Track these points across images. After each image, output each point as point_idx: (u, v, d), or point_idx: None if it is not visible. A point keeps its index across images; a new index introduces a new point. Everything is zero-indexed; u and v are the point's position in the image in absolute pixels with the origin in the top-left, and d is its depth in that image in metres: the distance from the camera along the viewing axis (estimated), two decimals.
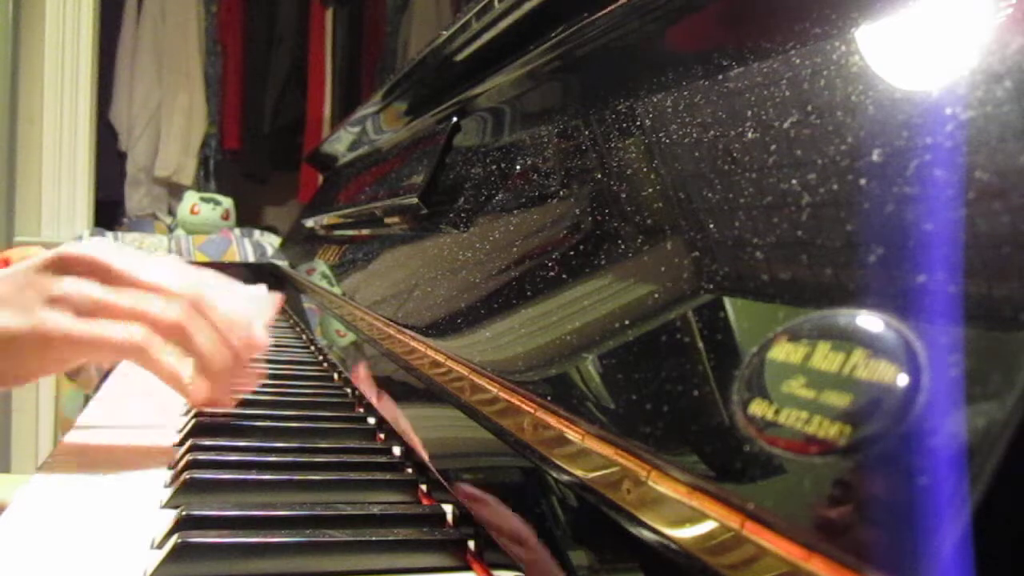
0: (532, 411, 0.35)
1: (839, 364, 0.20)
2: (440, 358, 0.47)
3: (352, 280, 0.85)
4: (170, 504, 0.41)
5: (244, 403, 0.60)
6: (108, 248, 0.47)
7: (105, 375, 0.82)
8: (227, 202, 2.31)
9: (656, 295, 0.31)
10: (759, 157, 0.29)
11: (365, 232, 0.93)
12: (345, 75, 2.93)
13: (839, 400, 0.20)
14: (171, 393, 0.66)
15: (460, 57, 0.72)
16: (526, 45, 0.58)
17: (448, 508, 0.42)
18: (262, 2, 2.82)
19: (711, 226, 0.30)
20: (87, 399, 1.82)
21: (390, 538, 0.37)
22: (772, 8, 0.34)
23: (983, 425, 0.17)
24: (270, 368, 0.75)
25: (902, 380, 0.19)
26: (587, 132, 0.45)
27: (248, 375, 0.50)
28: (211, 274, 0.50)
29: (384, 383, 0.61)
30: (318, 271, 1.07)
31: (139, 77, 2.64)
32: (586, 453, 0.30)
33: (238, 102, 2.80)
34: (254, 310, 0.50)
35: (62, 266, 0.45)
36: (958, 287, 0.19)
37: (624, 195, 0.38)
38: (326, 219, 1.14)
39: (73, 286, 0.44)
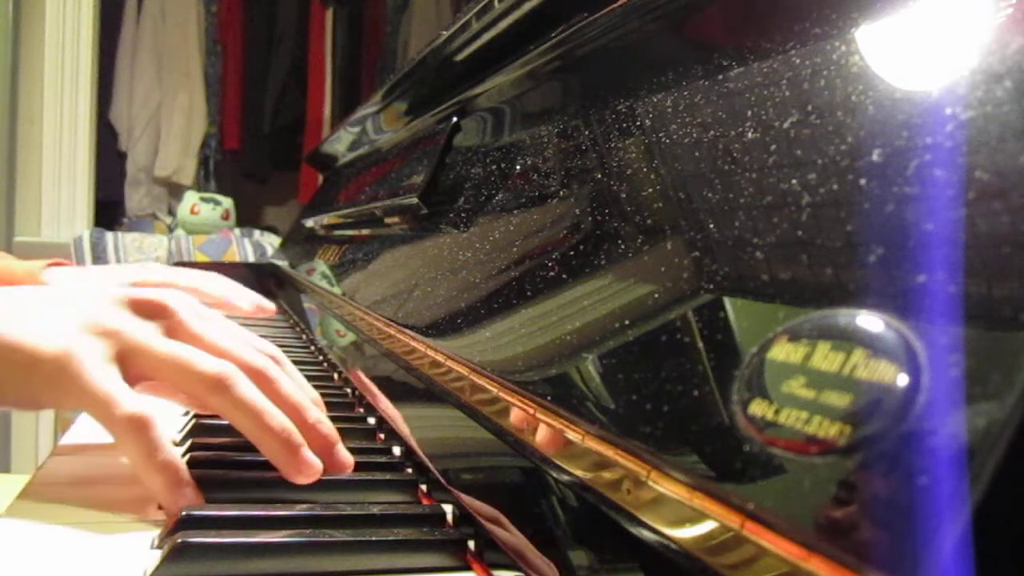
0: (532, 411, 0.35)
1: (839, 364, 0.20)
2: (440, 358, 0.47)
3: (352, 280, 0.85)
4: None
5: None
6: (193, 305, 0.43)
7: None
8: (227, 202, 2.31)
9: (656, 295, 0.31)
10: (759, 157, 0.29)
11: (365, 232, 0.93)
12: (345, 75, 2.93)
13: (839, 400, 0.20)
14: None
15: (460, 57, 0.72)
16: (526, 45, 0.58)
17: (448, 508, 0.42)
18: (262, 2, 2.82)
19: (711, 226, 0.30)
20: None
21: (390, 538, 0.37)
22: (772, 8, 0.34)
23: (983, 425, 0.17)
24: None
25: (902, 380, 0.19)
26: (587, 132, 0.45)
27: (330, 457, 0.42)
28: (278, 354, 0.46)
29: (384, 383, 0.61)
30: (318, 271, 1.07)
31: (139, 77, 2.64)
32: (586, 453, 0.30)
33: (238, 102, 2.80)
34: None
35: (139, 308, 0.41)
36: (958, 287, 0.19)
37: (624, 195, 0.38)
38: (326, 219, 1.14)
39: (132, 325, 0.40)
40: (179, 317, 0.42)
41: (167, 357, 0.40)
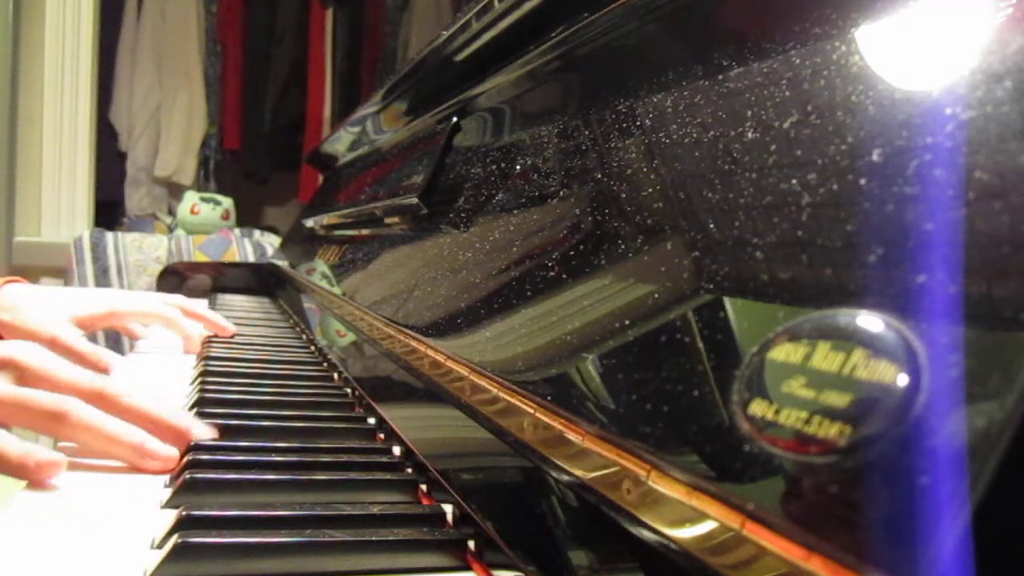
0: (532, 411, 0.35)
1: (839, 364, 0.20)
2: (440, 358, 0.47)
3: (352, 280, 0.85)
4: (170, 504, 0.41)
5: (244, 403, 0.60)
6: (39, 353, 0.51)
7: None
8: (227, 202, 2.31)
9: (656, 295, 0.31)
10: (759, 157, 0.29)
11: (365, 232, 0.93)
12: (345, 75, 2.93)
13: (839, 400, 0.20)
14: (173, 393, 0.66)
15: (460, 57, 0.72)
16: (526, 45, 0.58)
17: (448, 508, 0.42)
18: (262, 2, 2.82)
19: (711, 226, 0.30)
20: None
21: (390, 538, 0.37)
22: (772, 8, 0.34)
23: (983, 425, 0.17)
24: (270, 368, 0.75)
25: (902, 380, 0.19)
26: (587, 132, 0.45)
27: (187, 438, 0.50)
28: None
29: (384, 383, 0.61)
30: (318, 271, 1.07)
31: (139, 77, 2.64)
32: (586, 453, 0.30)
33: (238, 102, 2.80)
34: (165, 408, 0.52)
35: None
36: (958, 287, 0.19)
37: (624, 195, 0.38)
38: (326, 219, 1.14)
39: None
40: (24, 365, 0.49)
41: (10, 400, 0.46)
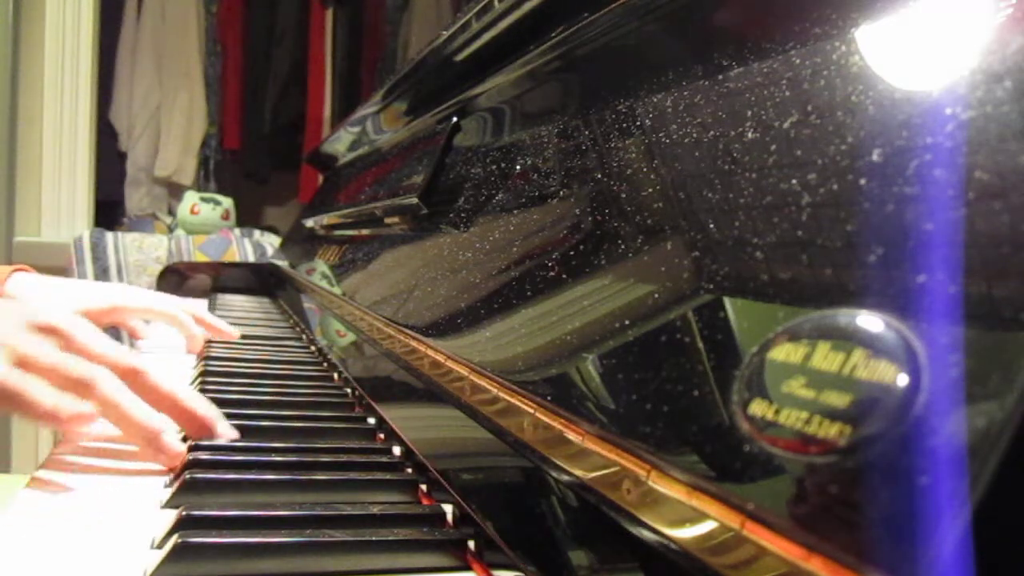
0: (532, 411, 0.35)
1: (839, 364, 0.20)
2: (440, 358, 0.47)
3: (352, 280, 0.85)
4: (170, 504, 0.41)
5: (244, 403, 0.60)
6: (81, 324, 0.53)
7: None
8: (227, 202, 2.31)
9: (656, 295, 0.31)
10: (759, 157, 0.29)
11: (365, 232, 0.93)
12: (345, 75, 2.93)
13: (839, 400, 0.20)
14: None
15: (460, 57, 0.72)
16: (526, 45, 0.58)
17: (448, 508, 0.42)
18: (262, 2, 2.82)
19: (711, 226, 0.30)
20: None
21: (390, 538, 0.37)
22: (772, 8, 0.34)
23: (983, 425, 0.17)
24: (270, 368, 0.75)
25: (902, 380, 0.19)
26: (587, 132, 0.45)
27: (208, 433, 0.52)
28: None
29: (384, 383, 0.61)
30: (318, 271, 1.07)
31: (139, 77, 2.64)
32: (586, 453, 0.30)
33: (238, 102, 2.80)
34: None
35: (39, 329, 0.50)
36: (958, 287, 0.19)
37: (624, 195, 0.38)
38: (326, 219, 1.14)
39: (36, 346, 0.49)
40: (68, 334, 0.51)
41: (48, 363, 0.48)
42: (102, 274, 1.89)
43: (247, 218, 2.61)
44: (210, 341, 0.87)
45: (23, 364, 0.48)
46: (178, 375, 0.75)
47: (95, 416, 0.46)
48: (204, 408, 0.52)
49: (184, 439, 0.51)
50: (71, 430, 0.46)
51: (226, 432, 0.52)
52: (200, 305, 0.96)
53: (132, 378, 0.50)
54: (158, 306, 0.90)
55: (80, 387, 0.48)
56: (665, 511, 0.25)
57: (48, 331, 0.51)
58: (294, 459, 0.48)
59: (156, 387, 0.51)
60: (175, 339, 0.91)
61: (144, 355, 0.87)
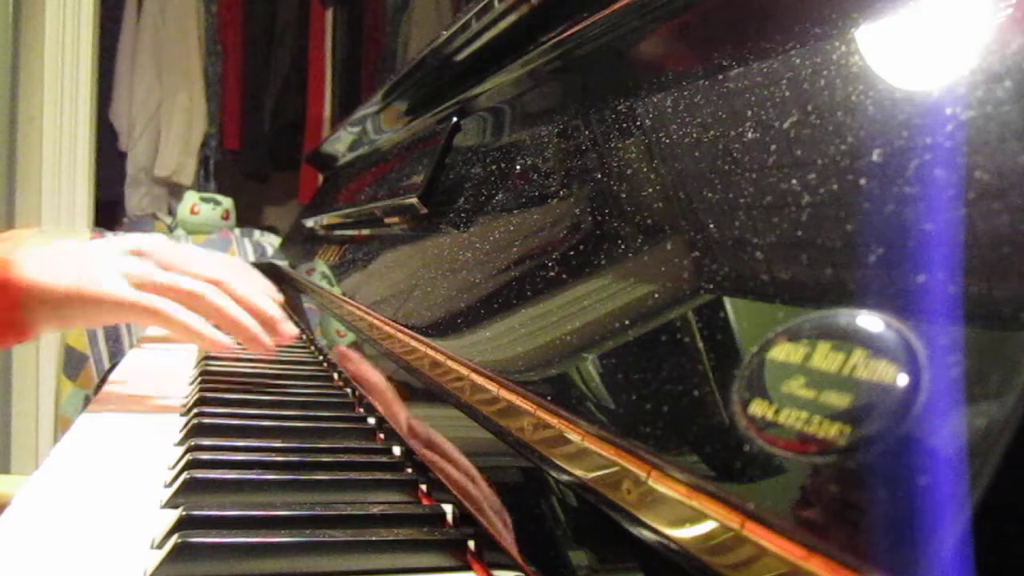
0: (532, 411, 0.35)
1: (839, 364, 0.20)
2: (440, 358, 0.47)
3: (352, 280, 0.85)
4: (170, 504, 0.41)
5: (244, 403, 0.60)
6: (168, 244, 0.67)
7: (104, 375, 0.82)
8: (227, 202, 2.31)
9: (656, 295, 0.31)
10: (759, 157, 0.29)
11: (365, 232, 0.93)
12: (345, 75, 2.93)
13: (839, 400, 0.20)
14: (170, 396, 0.66)
15: (460, 57, 0.72)
16: (526, 45, 0.58)
17: (448, 508, 0.42)
18: (262, 2, 2.82)
19: (711, 226, 0.30)
20: (87, 399, 1.82)
21: (390, 538, 0.37)
22: (772, 8, 0.34)
23: (983, 425, 0.17)
24: (270, 368, 0.75)
25: (902, 380, 0.19)
26: (587, 132, 0.45)
27: (280, 335, 0.67)
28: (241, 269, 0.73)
29: (384, 383, 0.61)
30: (318, 271, 1.07)
31: (139, 77, 2.64)
32: (586, 453, 0.30)
33: (238, 102, 2.80)
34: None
35: (137, 253, 0.64)
36: (958, 287, 0.19)
37: (624, 195, 0.38)
38: (326, 219, 1.14)
39: (144, 269, 0.62)
40: (159, 255, 0.65)
41: (162, 283, 0.61)
42: None
43: (247, 218, 2.61)
44: None
45: (141, 285, 0.60)
46: (178, 374, 0.75)
47: (228, 342, 0.62)
48: (271, 310, 0.66)
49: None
50: (208, 347, 0.62)
51: (286, 334, 0.67)
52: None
53: (220, 286, 0.64)
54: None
55: (191, 298, 0.61)
56: (665, 511, 0.25)
57: (144, 254, 0.64)
58: (294, 459, 0.48)
59: (236, 294, 0.64)
60: None
61: (146, 353, 0.87)
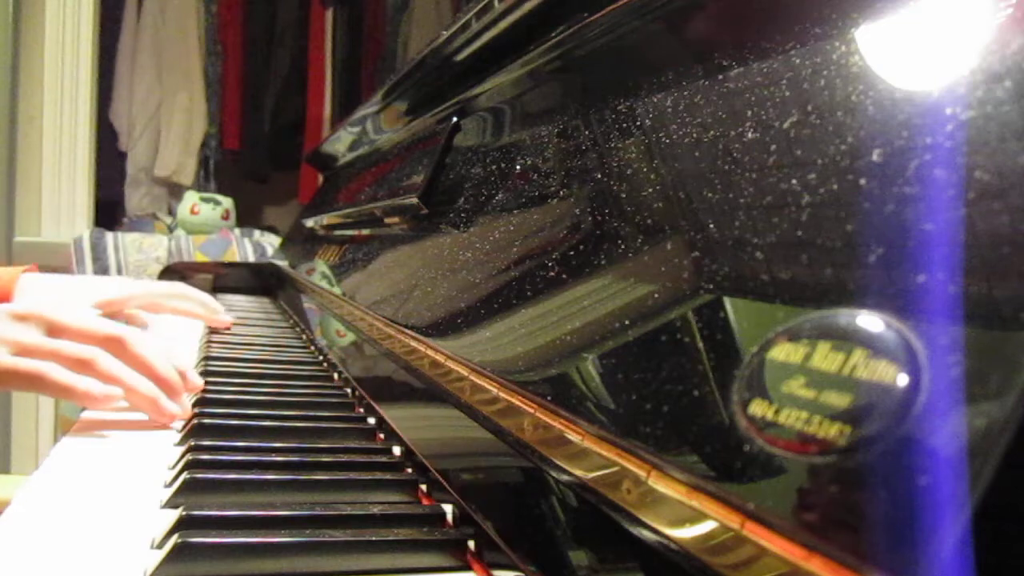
0: (532, 411, 0.35)
1: (839, 364, 0.20)
2: (440, 358, 0.47)
3: (352, 280, 0.85)
4: (170, 504, 0.41)
5: (244, 403, 0.60)
6: (58, 305, 0.59)
7: None
8: (227, 202, 2.31)
9: (656, 295, 0.31)
10: (759, 157, 0.29)
11: (365, 232, 0.93)
12: (345, 75, 2.93)
13: (839, 400, 0.20)
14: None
15: (460, 57, 0.72)
16: (526, 45, 0.58)
17: (448, 508, 0.42)
18: (262, 2, 2.82)
19: (711, 226, 0.30)
20: None
21: (390, 538, 0.37)
22: (772, 8, 0.34)
23: (983, 425, 0.17)
24: (270, 368, 0.75)
25: (902, 380, 0.19)
26: (587, 132, 0.45)
27: (183, 394, 0.58)
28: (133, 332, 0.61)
29: (384, 383, 0.61)
30: (318, 271, 1.07)
31: (139, 77, 2.64)
32: (586, 453, 0.30)
33: (238, 102, 2.80)
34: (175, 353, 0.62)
35: (22, 318, 0.57)
36: (958, 287, 0.19)
37: (624, 195, 0.38)
38: (326, 219, 1.14)
39: (27, 335, 0.56)
40: (47, 318, 0.57)
41: (46, 349, 0.55)
42: (102, 274, 1.89)
43: (247, 218, 2.61)
44: (211, 341, 0.87)
45: (24, 352, 0.54)
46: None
47: (120, 394, 0.54)
48: (170, 374, 0.58)
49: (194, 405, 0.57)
50: (100, 406, 0.54)
51: (194, 385, 0.60)
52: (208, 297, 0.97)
53: (115, 346, 0.57)
54: (167, 296, 0.92)
55: (80, 365, 0.54)
56: (665, 511, 0.25)
57: (30, 319, 0.57)
58: (294, 459, 0.48)
59: (135, 355, 0.57)
60: (179, 332, 0.91)
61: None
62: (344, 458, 0.49)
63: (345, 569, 0.36)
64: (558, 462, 0.32)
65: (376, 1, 2.94)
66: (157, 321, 0.96)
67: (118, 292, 0.87)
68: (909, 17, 0.26)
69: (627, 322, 0.32)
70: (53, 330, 0.57)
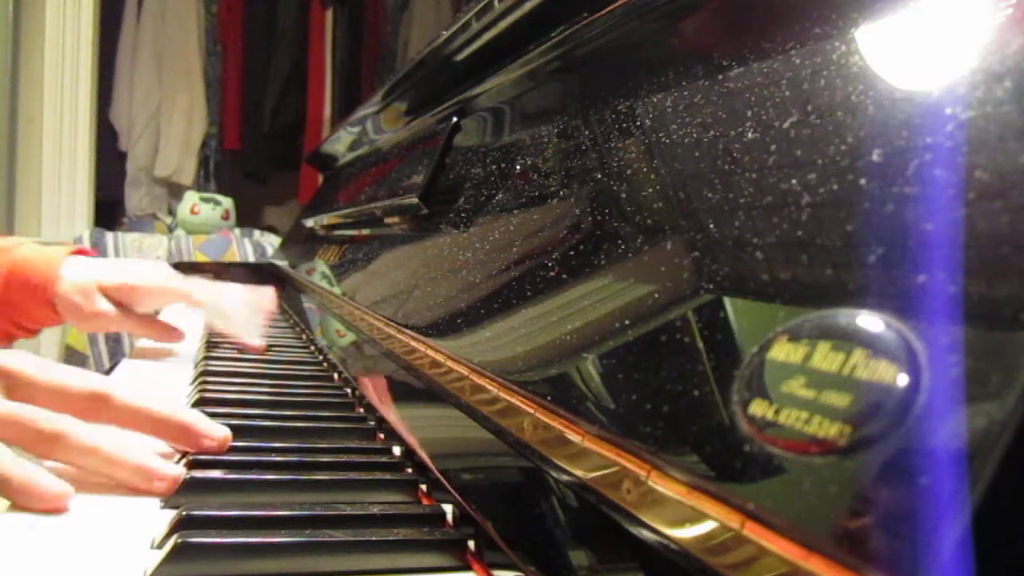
0: (532, 411, 0.35)
1: (839, 364, 0.20)
2: (440, 358, 0.47)
3: (352, 280, 0.85)
4: (170, 504, 0.41)
5: (244, 403, 0.60)
6: (26, 359, 0.46)
7: (106, 373, 0.82)
8: (227, 202, 2.31)
9: (656, 295, 0.31)
10: (759, 157, 0.29)
11: (365, 232, 0.93)
12: (345, 75, 2.93)
13: (839, 400, 0.20)
14: (169, 395, 0.66)
15: (460, 57, 0.72)
16: (526, 45, 0.58)
17: (448, 508, 0.42)
18: (262, 2, 2.82)
19: (711, 226, 0.30)
20: None
21: (390, 538, 0.37)
22: (772, 8, 0.34)
23: (983, 425, 0.17)
24: (270, 368, 0.75)
25: (902, 380, 0.19)
26: (587, 132, 0.45)
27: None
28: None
29: (384, 383, 0.61)
30: (318, 271, 1.07)
31: (139, 77, 2.64)
32: (586, 453, 0.30)
33: (238, 102, 2.80)
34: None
35: None
36: (958, 287, 0.19)
37: (624, 195, 0.38)
38: (326, 219, 1.14)
39: None
40: (13, 372, 0.44)
41: (9, 419, 0.41)
42: None
43: (247, 218, 2.62)
44: (210, 341, 0.87)
45: None
46: (177, 378, 0.75)
47: (72, 493, 0.40)
48: (182, 413, 0.46)
49: (182, 456, 0.47)
50: (48, 510, 0.38)
51: (210, 429, 0.46)
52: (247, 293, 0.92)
53: (100, 403, 0.45)
54: (174, 287, 0.84)
55: (48, 441, 0.41)
56: (665, 511, 0.25)
57: None
58: (294, 459, 0.48)
59: (126, 406, 0.45)
60: (184, 324, 0.91)
61: (141, 362, 0.87)
62: (344, 458, 0.49)
63: (345, 569, 0.36)
64: (558, 462, 0.32)
65: (376, 1, 2.94)
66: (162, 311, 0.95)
67: (121, 278, 0.81)
68: (909, 17, 0.26)
69: (627, 322, 0.32)
70: (16, 386, 0.44)
